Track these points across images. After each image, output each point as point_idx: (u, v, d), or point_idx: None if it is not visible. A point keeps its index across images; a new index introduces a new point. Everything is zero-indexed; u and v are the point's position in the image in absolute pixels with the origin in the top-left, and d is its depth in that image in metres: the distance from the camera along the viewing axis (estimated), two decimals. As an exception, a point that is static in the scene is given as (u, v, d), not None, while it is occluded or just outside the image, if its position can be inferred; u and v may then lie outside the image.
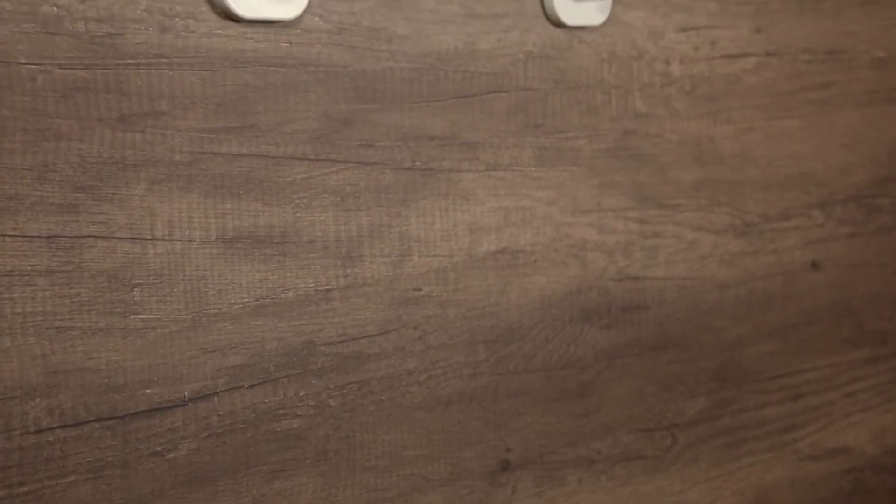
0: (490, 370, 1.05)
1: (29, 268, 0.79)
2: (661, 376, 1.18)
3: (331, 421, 0.95)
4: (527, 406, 1.08)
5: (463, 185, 1.02)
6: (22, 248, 0.79)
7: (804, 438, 1.33)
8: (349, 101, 0.94)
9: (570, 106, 1.08)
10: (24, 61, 0.78)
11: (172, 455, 0.87)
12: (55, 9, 0.79)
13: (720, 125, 1.21)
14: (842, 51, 1.32)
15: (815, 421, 1.34)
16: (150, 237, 0.85)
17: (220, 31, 0.86)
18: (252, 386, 0.91)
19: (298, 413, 0.93)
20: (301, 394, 0.93)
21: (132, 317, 0.84)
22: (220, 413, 0.89)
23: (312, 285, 0.94)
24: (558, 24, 1.06)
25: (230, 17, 0.86)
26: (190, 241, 0.87)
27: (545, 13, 1.06)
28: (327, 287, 0.94)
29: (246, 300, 0.90)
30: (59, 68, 0.79)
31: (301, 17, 0.90)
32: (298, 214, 0.92)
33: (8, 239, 0.78)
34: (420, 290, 1.00)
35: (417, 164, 0.99)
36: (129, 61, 0.82)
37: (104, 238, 0.82)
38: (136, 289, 0.84)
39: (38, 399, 0.80)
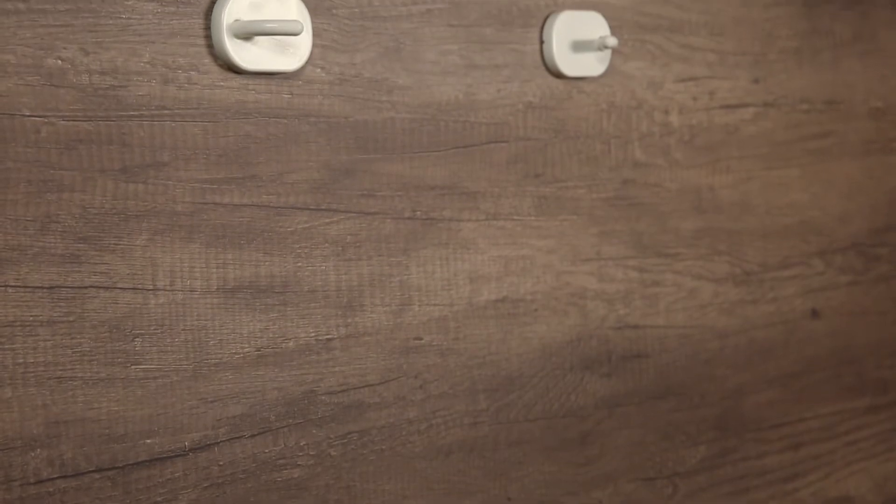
0: (491, 419, 1.05)
1: (31, 318, 0.80)
2: (662, 425, 1.18)
3: (331, 471, 0.95)
4: (527, 455, 1.08)
5: (463, 234, 1.03)
6: (24, 298, 0.79)
7: (806, 487, 1.32)
8: (350, 151, 0.95)
9: (570, 155, 1.09)
10: (28, 113, 0.78)
11: (172, 505, 0.87)
12: (59, 62, 0.79)
13: (719, 174, 1.22)
14: (840, 101, 1.33)
15: (816, 470, 1.33)
16: (151, 287, 0.85)
17: (222, 83, 0.87)
18: (253, 436, 0.91)
19: (299, 463, 0.93)
20: (302, 443, 0.93)
21: (133, 367, 0.84)
22: (221, 463, 0.89)
23: (313, 335, 0.94)
24: (558, 75, 1.07)
25: (232, 69, 0.87)
26: (191, 291, 0.87)
27: (545, 64, 1.06)
28: (328, 336, 0.95)
29: (247, 350, 0.90)
30: (63, 120, 0.80)
31: (302, 68, 0.91)
32: (299, 264, 0.93)
33: (10, 290, 0.79)
34: (421, 339, 1.00)
35: (418, 213, 0.99)
36: (132, 113, 0.83)
37: (106, 288, 0.83)
38: (137, 339, 0.84)
39: (38, 449, 0.80)
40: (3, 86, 0.77)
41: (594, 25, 1.08)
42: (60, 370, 0.81)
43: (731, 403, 1.24)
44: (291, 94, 0.91)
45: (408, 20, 0.97)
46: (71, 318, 0.81)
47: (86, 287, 0.82)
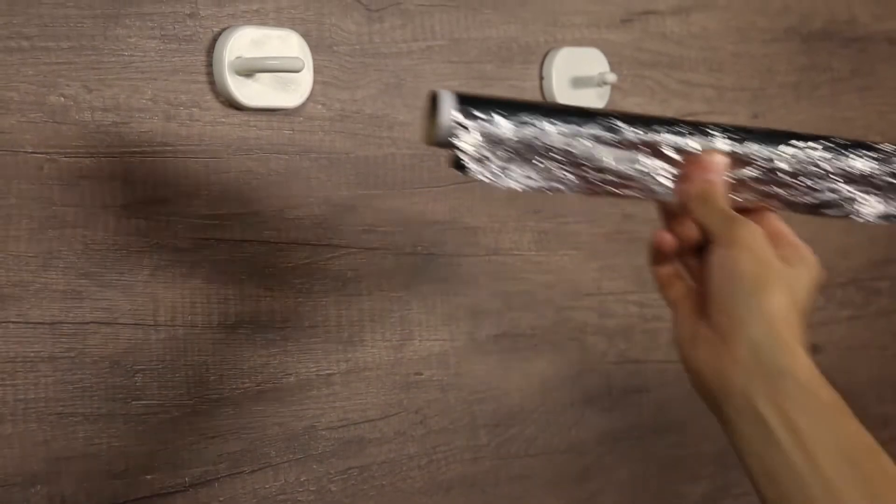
0: (491, 454, 1.05)
1: (32, 354, 0.80)
2: (663, 460, 1.18)
3: (332, 506, 0.95)
4: (528, 490, 1.08)
5: (464, 269, 1.03)
6: (25, 334, 0.79)
7: (808, 522, 1.32)
8: (351, 186, 0.95)
9: (570, 191, 1.09)
10: (30, 150, 0.79)
11: (173, 541, 0.87)
12: (62, 99, 0.80)
13: (719, 209, 1.22)
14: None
15: (818, 504, 1.33)
16: (152, 323, 0.85)
17: (223, 120, 0.88)
18: (253, 471, 0.90)
19: (299, 498, 0.93)
20: (302, 479, 0.93)
21: (134, 402, 0.84)
22: (221, 499, 0.89)
23: (314, 370, 0.94)
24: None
25: (234, 105, 0.87)
26: (192, 326, 0.87)
27: (544, 98, 1.07)
28: (329, 371, 0.95)
29: (247, 385, 0.90)
30: (66, 157, 0.80)
31: (303, 105, 0.91)
32: (300, 299, 0.93)
33: (12, 326, 0.79)
34: (421, 374, 1.00)
35: (419, 248, 1.00)
36: (135, 149, 0.83)
37: (107, 324, 0.83)
38: (138, 374, 0.85)
39: (39, 486, 0.80)
40: (6, 123, 0.78)
41: (593, 62, 1.08)
42: (61, 406, 0.81)
43: (732, 438, 1.23)
44: (293, 130, 0.91)
45: (408, 57, 0.98)
46: (72, 354, 0.81)
47: (87, 323, 0.82)
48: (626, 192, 0.73)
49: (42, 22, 0.79)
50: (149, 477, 0.85)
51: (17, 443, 0.79)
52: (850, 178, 0.78)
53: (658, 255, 0.75)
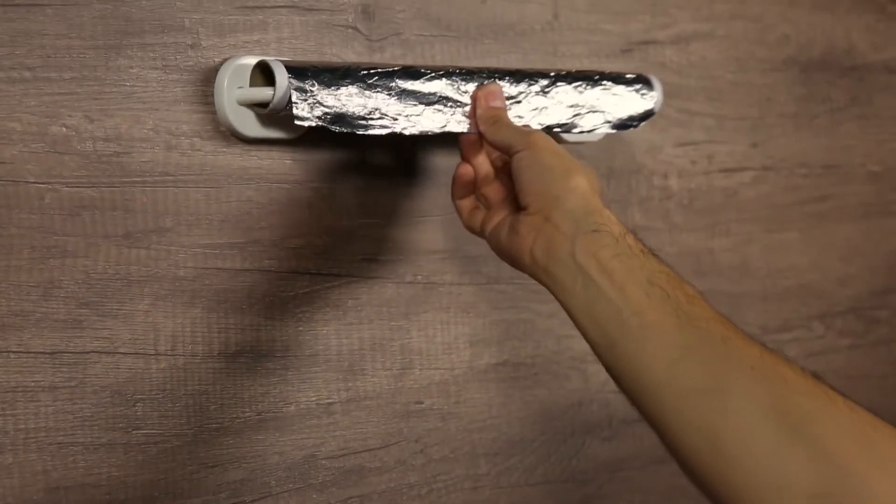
0: (492, 483, 1.05)
1: (32, 384, 0.80)
2: (664, 489, 1.17)
3: (332, 536, 0.95)
4: (529, 520, 1.07)
5: (464, 298, 1.03)
6: (26, 364, 0.79)
7: (809, 552, 1.31)
8: (352, 216, 0.95)
9: (570, 220, 1.09)
10: (32, 180, 0.79)
11: (172, 572, 0.86)
12: (64, 129, 0.80)
13: (719, 238, 1.22)
14: (837, 165, 1.33)
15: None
16: (153, 352, 0.85)
17: (224, 150, 0.88)
18: (253, 500, 0.90)
19: (299, 528, 0.93)
20: (302, 508, 0.93)
21: (134, 432, 0.84)
22: (221, 528, 0.89)
23: (314, 399, 0.94)
24: (558, 140, 1.08)
25: (235, 135, 0.88)
26: (193, 355, 0.87)
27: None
28: (329, 400, 0.95)
29: (248, 414, 0.90)
30: (67, 187, 0.81)
31: (304, 134, 0.91)
32: (301, 328, 0.93)
33: (12, 355, 0.79)
34: (421, 402, 1.00)
35: (419, 277, 1.00)
36: (136, 179, 0.84)
37: (108, 353, 0.83)
38: (138, 404, 0.85)
39: (38, 515, 0.80)
40: (9, 153, 0.78)
41: (593, 91, 1.09)
42: (62, 436, 0.81)
43: (733, 467, 1.23)
44: (293, 159, 0.92)
45: (409, 87, 0.98)
46: (73, 384, 0.81)
47: (88, 352, 0.82)
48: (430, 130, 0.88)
49: (44, 53, 0.79)
50: (149, 507, 0.85)
51: (17, 472, 0.79)
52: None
53: (461, 188, 0.90)
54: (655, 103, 1.01)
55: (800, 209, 1.30)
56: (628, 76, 0.99)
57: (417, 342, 1.00)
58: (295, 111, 0.80)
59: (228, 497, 0.89)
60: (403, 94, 0.86)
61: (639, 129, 1.01)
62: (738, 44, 1.23)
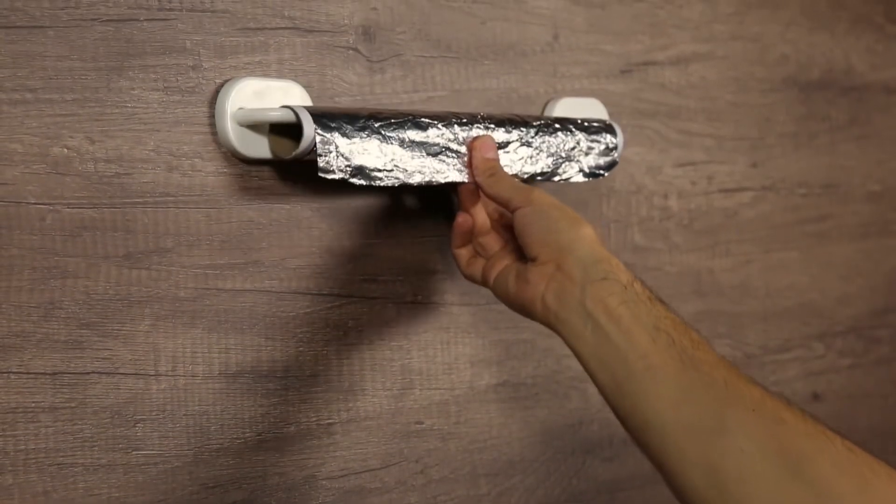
0: (492, 503, 1.05)
1: (33, 405, 0.80)
2: (665, 509, 1.17)
3: (332, 557, 0.95)
4: (529, 540, 1.07)
5: (464, 318, 1.03)
6: (27, 384, 0.79)
7: (810, 572, 1.31)
8: (352, 236, 0.95)
9: (570, 240, 1.10)
10: (33, 201, 0.79)
11: (172, 593, 0.86)
12: (65, 150, 0.81)
13: (719, 258, 1.22)
14: (837, 185, 1.34)
15: (820, 554, 1.32)
16: (153, 373, 0.85)
17: (225, 170, 0.88)
18: (253, 521, 0.90)
19: (299, 549, 0.93)
20: (302, 529, 0.93)
21: (134, 452, 0.84)
22: (221, 549, 0.88)
23: (315, 419, 0.94)
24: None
25: (236, 156, 0.88)
26: (193, 376, 0.87)
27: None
28: (329, 421, 0.95)
29: (248, 435, 0.90)
30: (68, 207, 0.81)
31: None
32: (301, 349, 0.93)
33: (13, 376, 0.79)
34: (422, 423, 1.00)
35: (420, 297, 1.00)
36: (137, 200, 0.84)
37: (108, 374, 0.83)
38: (138, 424, 0.85)
39: (38, 536, 0.80)
40: (10, 174, 0.78)
41: (593, 111, 1.09)
42: (62, 456, 0.81)
43: (734, 487, 1.23)
44: (294, 180, 0.92)
45: (409, 107, 0.98)
46: (73, 405, 0.81)
47: (88, 373, 0.82)
48: (435, 181, 0.89)
49: (46, 74, 0.79)
50: (149, 527, 0.85)
51: (17, 493, 0.79)
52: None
53: (461, 237, 0.92)
54: (618, 155, 1.01)
55: (800, 229, 1.30)
56: (595, 124, 1.01)
57: (418, 362, 1.00)
58: (320, 164, 0.82)
59: (228, 518, 0.89)
60: (413, 145, 0.88)
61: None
62: (737, 64, 1.23)
